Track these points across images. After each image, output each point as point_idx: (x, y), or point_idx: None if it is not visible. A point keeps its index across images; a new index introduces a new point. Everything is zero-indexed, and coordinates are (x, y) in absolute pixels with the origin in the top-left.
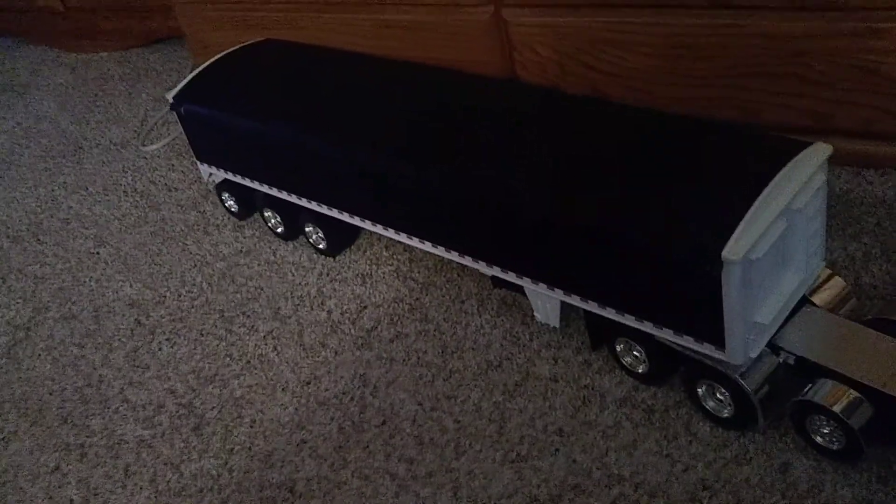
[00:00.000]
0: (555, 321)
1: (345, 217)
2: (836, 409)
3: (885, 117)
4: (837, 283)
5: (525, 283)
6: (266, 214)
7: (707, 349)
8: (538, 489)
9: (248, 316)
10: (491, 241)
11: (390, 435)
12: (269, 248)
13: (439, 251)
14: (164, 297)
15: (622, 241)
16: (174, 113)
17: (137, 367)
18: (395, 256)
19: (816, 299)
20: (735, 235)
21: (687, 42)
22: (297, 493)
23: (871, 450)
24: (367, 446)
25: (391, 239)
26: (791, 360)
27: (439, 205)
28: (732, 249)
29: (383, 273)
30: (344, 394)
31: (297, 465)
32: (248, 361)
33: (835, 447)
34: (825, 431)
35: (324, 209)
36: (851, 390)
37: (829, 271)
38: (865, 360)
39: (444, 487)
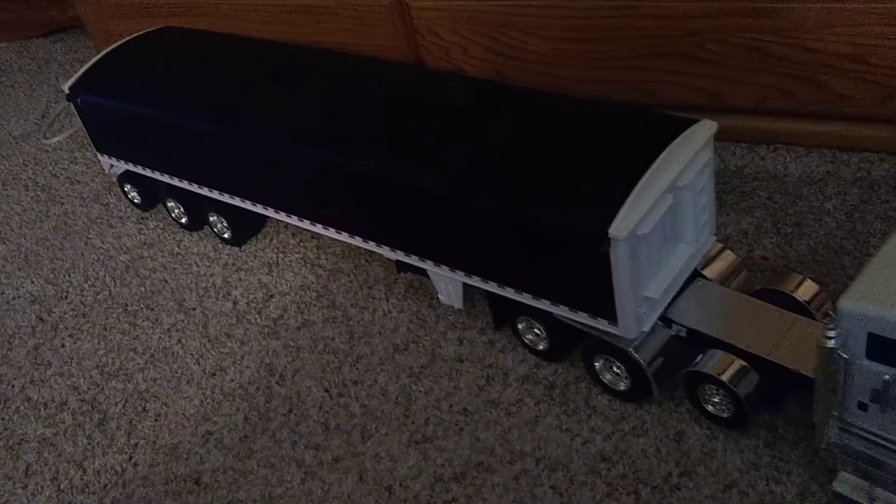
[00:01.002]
0: (458, 303)
1: (248, 205)
2: (724, 377)
3: (775, 94)
4: (728, 256)
5: (428, 266)
6: (169, 205)
7: (601, 324)
8: (443, 468)
9: (153, 309)
10: (393, 226)
11: (297, 422)
12: (174, 239)
13: (343, 237)
14: (67, 292)
15: (514, 222)
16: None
17: (39, 364)
18: (302, 244)
19: (708, 272)
20: (621, 213)
21: (585, 24)
22: (203, 484)
23: (760, 416)
24: (274, 435)
25: (297, 227)
26: (683, 333)
27: (342, 191)
28: (619, 226)
29: (290, 261)
30: (250, 384)
31: (202, 456)
32: (153, 355)
33: (725, 415)
34: (715, 400)
35: (227, 198)
36: (739, 360)
37: (720, 245)
38: (752, 330)
39: (350, 472)
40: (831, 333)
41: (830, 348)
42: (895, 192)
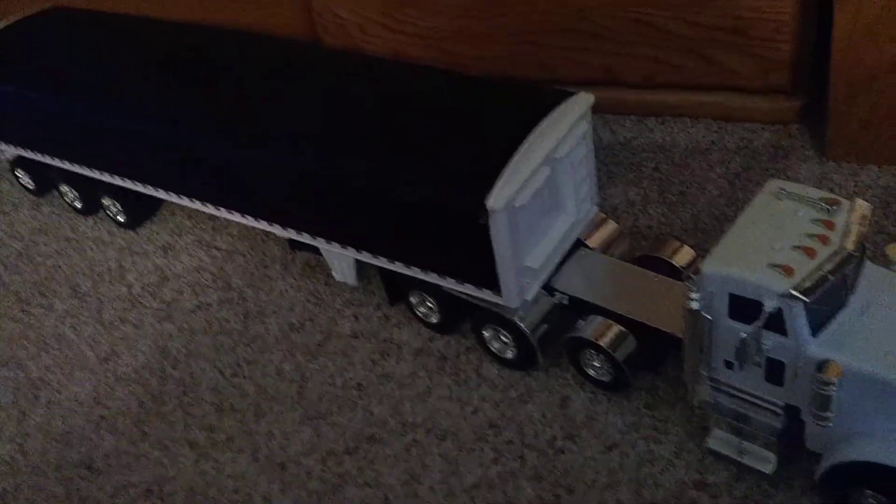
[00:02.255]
0: (352, 279)
1: (142, 188)
2: (603, 342)
3: (663, 69)
4: (610, 225)
5: (319, 243)
6: (63, 189)
7: (486, 295)
8: (335, 443)
9: (46, 296)
10: (284, 205)
11: (190, 405)
12: (68, 224)
13: (236, 217)
14: None
15: (395, 197)
16: None
17: None
18: (197, 226)
19: (590, 242)
20: (498, 185)
21: (481, 2)
22: (96, 469)
23: (641, 380)
24: (167, 418)
25: (192, 208)
26: (565, 301)
27: (234, 172)
28: (496, 198)
29: (185, 243)
30: (144, 368)
31: (95, 441)
32: (45, 342)
33: (605, 379)
34: (596, 365)
35: (120, 181)
36: (617, 325)
37: (603, 215)
38: (631, 296)
39: (243, 451)
40: (694, 296)
41: (694, 310)
42: (775, 161)
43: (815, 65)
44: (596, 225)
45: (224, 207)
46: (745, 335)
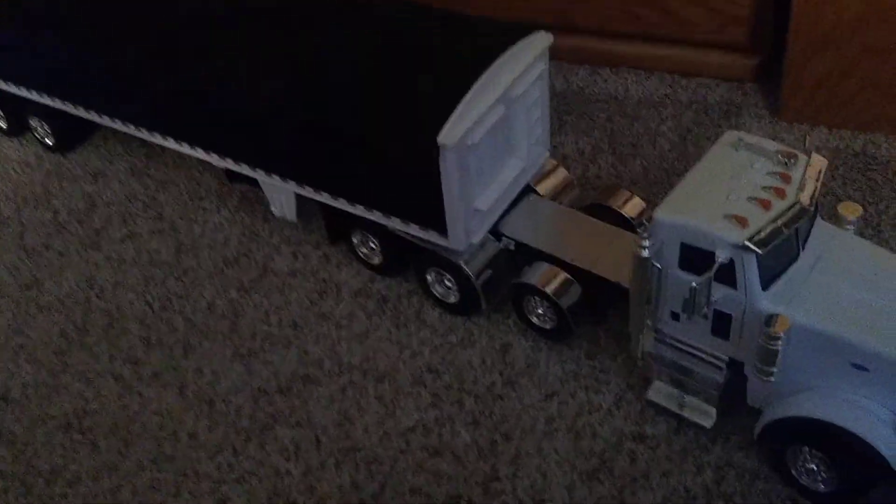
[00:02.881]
0: (291, 215)
1: (72, 109)
2: (548, 289)
3: (619, 16)
4: (561, 173)
5: (258, 175)
6: None
7: (431, 236)
8: (267, 382)
9: None
10: (222, 133)
11: (116, 337)
12: None
13: (171, 143)
14: None
15: (343, 131)
16: None
17: None
18: (130, 153)
19: (540, 188)
20: (451, 121)
21: None
22: (12, 399)
23: (582, 329)
24: (91, 349)
25: (126, 133)
26: (511, 246)
27: (170, 94)
28: (448, 134)
29: (117, 170)
30: (68, 297)
31: (12, 371)
32: None
33: (548, 326)
34: (539, 312)
35: (49, 100)
36: (563, 272)
37: (554, 162)
38: (578, 243)
39: (169, 386)
40: (645, 243)
41: (645, 258)
42: (726, 117)
43: (774, 23)
44: (546, 172)
45: (159, 133)
46: (694, 285)
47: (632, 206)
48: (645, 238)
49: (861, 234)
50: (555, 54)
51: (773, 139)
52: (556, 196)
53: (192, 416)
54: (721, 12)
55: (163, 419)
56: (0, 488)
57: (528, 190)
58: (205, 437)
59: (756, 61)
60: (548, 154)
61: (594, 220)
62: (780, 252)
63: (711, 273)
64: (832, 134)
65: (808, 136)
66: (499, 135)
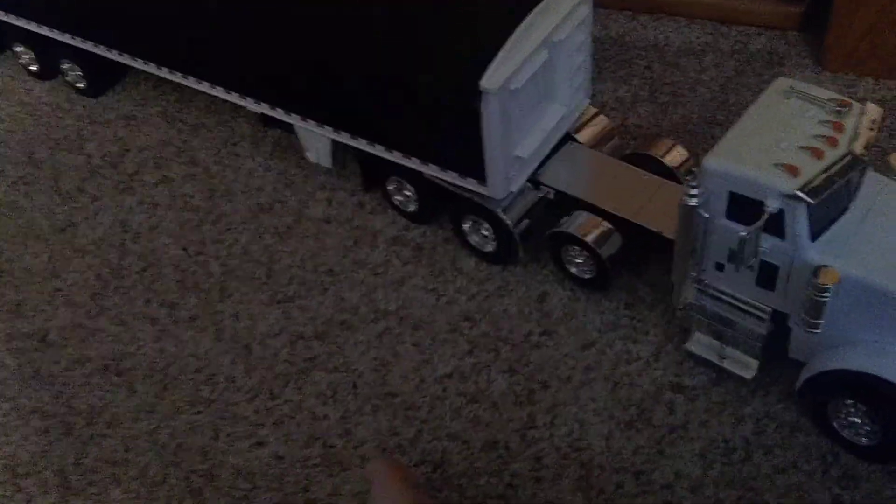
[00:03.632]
0: (326, 161)
1: (104, 52)
2: (588, 239)
3: None
4: (602, 120)
5: (294, 120)
6: (17, 50)
7: (470, 184)
8: (304, 327)
9: None
10: (258, 77)
11: (151, 280)
12: (23, 87)
13: (205, 87)
14: None
15: (383, 75)
16: None
17: None
18: (163, 97)
19: (580, 136)
20: (493, 65)
21: None
22: (49, 342)
23: (621, 279)
24: (127, 293)
25: (159, 78)
26: (551, 195)
27: (205, 37)
28: (491, 79)
29: (149, 114)
30: (102, 240)
31: (49, 314)
32: None
33: (587, 276)
34: (578, 261)
35: (80, 43)
36: (604, 221)
37: (594, 109)
38: (619, 193)
39: (206, 330)
40: (693, 192)
41: (692, 206)
42: (769, 66)
43: None
44: (587, 119)
45: (193, 76)
46: (744, 235)
47: (674, 156)
48: (693, 186)
49: None
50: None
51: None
52: (596, 144)
53: (228, 359)
54: None
55: (199, 362)
56: (41, 428)
57: (568, 138)
58: (242, 380)
59: (801, 9)
60: (588, 102)
61: (635, 168)
62: (830, 203)
63: (761, 223)
64: (879, 84)
65: (861, 86)
66: (541, 80)
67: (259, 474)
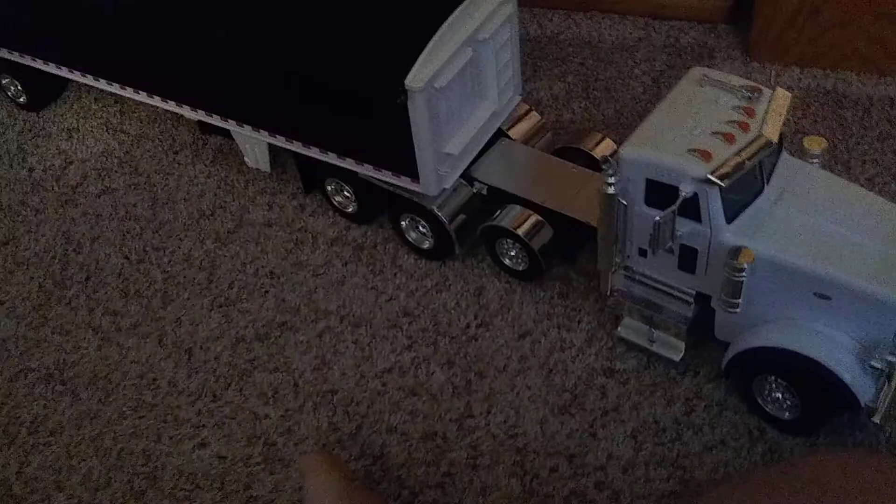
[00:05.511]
0: (265, 165)
1: (44, 66)
2: (520, 231)
3: None
4: (533, 116)
5: (230, 126)
6: None
7: (404, 182)
8: (245, 330)
9: None
10: (193, 84)
11: (94, 290)
12: None
13: (143, 97)
14: None
15: (311, 77)
16: None
17: None
18: (104, 109)
19: (512, 132)
20: (417, 64)
21: None
22: None
23: (555, 269)
24: (70, 303)
25: (101, 90)
26: (484, 190)
27: (140, 46)
28: (415, 78)
29: (91, 127)
30: (45, 252)
31: None
32: None
33: (521, 268)
34: (512, 254)
35: (19, 58)
36: (535, 214)
37: (526, 106)
38: (549, 186)
39: (149, 337)
40: (611, 180)
41: (611, 195)
42: (699, 59)
43: None
44: (519, 116)
45: (130, 86)
46: (658, 220)
47: (603, 148)
48: (610, 175)
49: (831, 171)
50: (528, 0)
51: (746, 79)
52: (528, 140)
53: (171, 364)
54: None
55: (142, 368)
56: None
57: (501, 134)
58: (184, 384)
59: (729, 2)
60: (519, 98)
61: (565, 162)
62: (743, 185)
63: (675, 207)
64: (804, 73)
65: (773, 72)
66: (468, 78)
67: (201, 474)
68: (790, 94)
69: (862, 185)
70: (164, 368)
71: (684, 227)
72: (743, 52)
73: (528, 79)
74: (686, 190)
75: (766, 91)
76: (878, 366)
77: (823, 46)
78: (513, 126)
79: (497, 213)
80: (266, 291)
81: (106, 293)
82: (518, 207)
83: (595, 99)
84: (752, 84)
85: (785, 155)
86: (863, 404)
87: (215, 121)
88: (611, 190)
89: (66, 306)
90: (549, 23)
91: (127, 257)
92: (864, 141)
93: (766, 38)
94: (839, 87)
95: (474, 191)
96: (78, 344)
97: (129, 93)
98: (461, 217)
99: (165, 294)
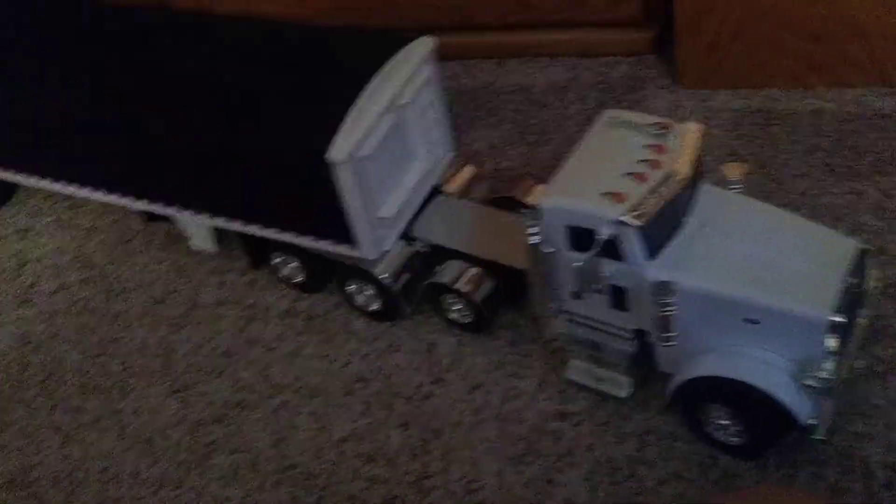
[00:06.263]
0: (211, 246)
1: None
2: (460, 286)
3: (514, 7)
4: (468, 170)
5: (172, 212)
6: None
7: (344, 249)
8: (203, 413)
9: None
10: (130, 175)
11: (54, 389)
12: None
13: (85, 192)
14: None
15: (238, 155)
16: None
17: None
18: (56, 205)
19: (448, 188)
20: (340, 136)
21: None
22: None
23: (504, 318)
24: (30, 404)
25: (45, 189)
26: (425, 248)
27: (72, 144)
28: (338, 150)
29: (44, 224)
30: (3, 355)
31: None
32: None
33: (467, 321)
34: (457, 308)
35: None
36: (473, 267)
37: (460, 160)
38: (487, 237)
39: (109, 431)
40: (533, 230)
41: (534, 244)
42: (630, 92)
43: None
44: (454, 170)
45: (74, 185)
46: (578, 265)
47: (535, 194)
48: (531, 225)
49: (765, 189)
50: (460, 53)
51: (677, 108)
52: (464, 193)
53: (132, 455)
54: None
55: (104, 463)
56: None
57: (437, 191)
58: (146, 474)
59: (653, 33)
60: (452, 154)
61: (499, 211)
62: (663, 221)
63: (594, 252)
64: (733, 94)
65: (690, 108)
66: (394, 143)
67: None
68: (701, 126)
69: (795, 199)
70: (126, 460)
71: (610, 267)
72: (673, 81)
73: (464, 130)
74: (604, 233)
75: (676, 126)
76: (813, 384)
77: (748, 67)
78: (448, 181)
79: (437, 269)
80: (221, 372)
81: (65, 391)
82: (458, 262)
83: (531, 144)
84: (662, 120)
85: (705, 184)
86: (803, 423)
87: (156, 209)
88: (534, 240)
89: (26, 408)
90: (481, 72)
91: (84, 353)
92: (794, 156)
93: (691, 65)
94: (767, 105)
95: (415, 249)
96: (39, 446)
97: (71, 190)
98: (405, 276)
99: (124, 385)
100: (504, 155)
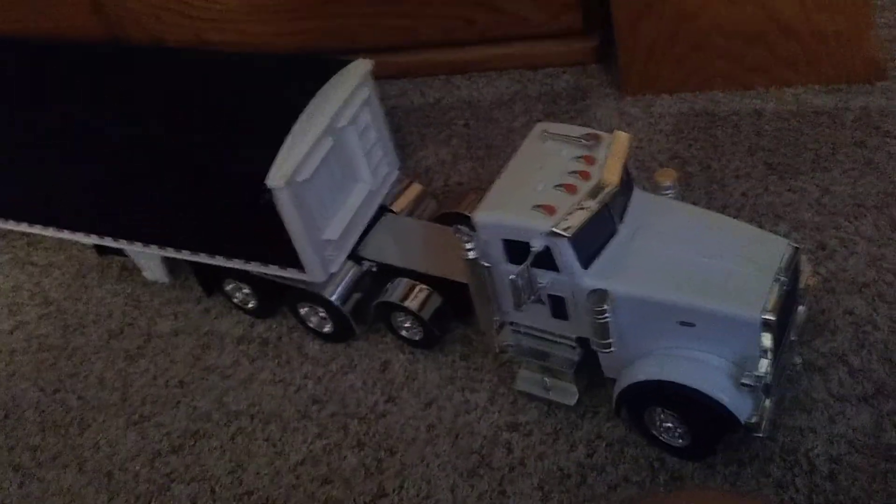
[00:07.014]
0: (163, 277)
1: None
2: (408, 304)
3: (458, 24)
4: (415, 188)
5: (122, 245)
6: None
7: (291, 273)
8: (160, 444)
9: None
10: (81, 209)
11: (13, 427)
12: None
13: (38, 230)
14: None
15: (179, 186)
16: None
17: None
18: (11, 243)
19: (395, 206)
20: (277, 162)
21: None
22: None
23: (455, 333)
24: None
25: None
26: (374, 268)
27: (21, 182)
28: (276, 176)
29: (1, 263)
30: None
31: None
32: None
33: (418, 338)
34: (407, 325)
35: None
36: (421, 284)
37: (407, 179)
38: (433, 254)
39: (69, 466)
40: (468, 245)
41: (472, 259)
42: (575, 101)
43: (603, 2)
44: (400, 189)
45: (25, 222)
46: (512, 278)
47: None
48: (467, 242)
49: (708, 190)
50: (409, 71)
51: (621, 115)
52: (412, 211)
53: (92, 490)
54: (549, 2)
55: (65, 498)
56: None
57: (384, 210)
58: None
59: (594, 43)
60: (398, 172)
61: (445, 227)
62: (595, 230)
63: (527, 263)
64: (674, 98)
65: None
66: (335, 165)
67: None
68: (630, 136)
69: (737, 200)
70: (86, 495)
71: (546, 278)
72: (616, 88)
73: (414, 148)
74: (536, 245)
75: (606, 136)
76: (750, 382)
77: (687, 71)
78: (395, 200)
79: (386, 287)
80: (178, 402)
81: (24, 429)
82: (405, 280)
83: (479, 158)
84: (591, 132)
85: (637, 191)
86: (742, 422)
87: (107, 242)
88: (471, 255)
89: None
90: (430, 89)
91: (42, 389)
92: (735, 157)
93: (633, 71)
94: (710, 107)
95: (364, 269)
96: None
97: (24, 227)
98: (356, 297)
99: (82, 420)
100: (454, 170)
